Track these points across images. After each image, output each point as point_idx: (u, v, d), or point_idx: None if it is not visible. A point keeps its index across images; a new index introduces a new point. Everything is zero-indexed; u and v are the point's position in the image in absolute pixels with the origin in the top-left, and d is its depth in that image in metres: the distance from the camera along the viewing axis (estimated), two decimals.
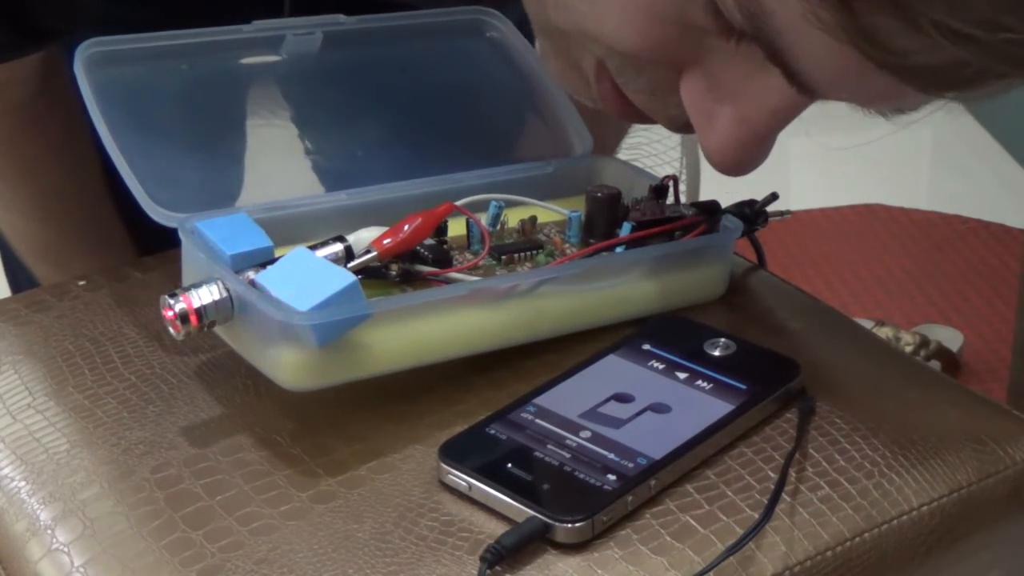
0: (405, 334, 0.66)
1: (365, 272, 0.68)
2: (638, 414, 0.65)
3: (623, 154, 2.07)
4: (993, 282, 2.28)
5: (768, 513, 0.60)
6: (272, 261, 0.67)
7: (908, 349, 1.96)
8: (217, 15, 0.79)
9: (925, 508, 0.63)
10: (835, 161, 2.76)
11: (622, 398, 0.66)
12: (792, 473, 0.62)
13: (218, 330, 0.67)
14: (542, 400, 0.65)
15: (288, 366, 0.64)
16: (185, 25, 0.78)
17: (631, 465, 0.61)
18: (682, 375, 0.67)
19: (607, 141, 0.98)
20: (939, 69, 0.51)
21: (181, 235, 0.70)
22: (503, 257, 0.73)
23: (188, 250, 0.69)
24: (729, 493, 0.62)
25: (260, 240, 0.69)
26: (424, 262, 0.70)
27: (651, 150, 2.06)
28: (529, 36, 0.83)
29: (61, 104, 0.89)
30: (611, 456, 0.62)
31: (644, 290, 0.73)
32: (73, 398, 0.69)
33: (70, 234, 0.91)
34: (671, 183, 0.76)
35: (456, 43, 0.87)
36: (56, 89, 0.88)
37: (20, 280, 1.00)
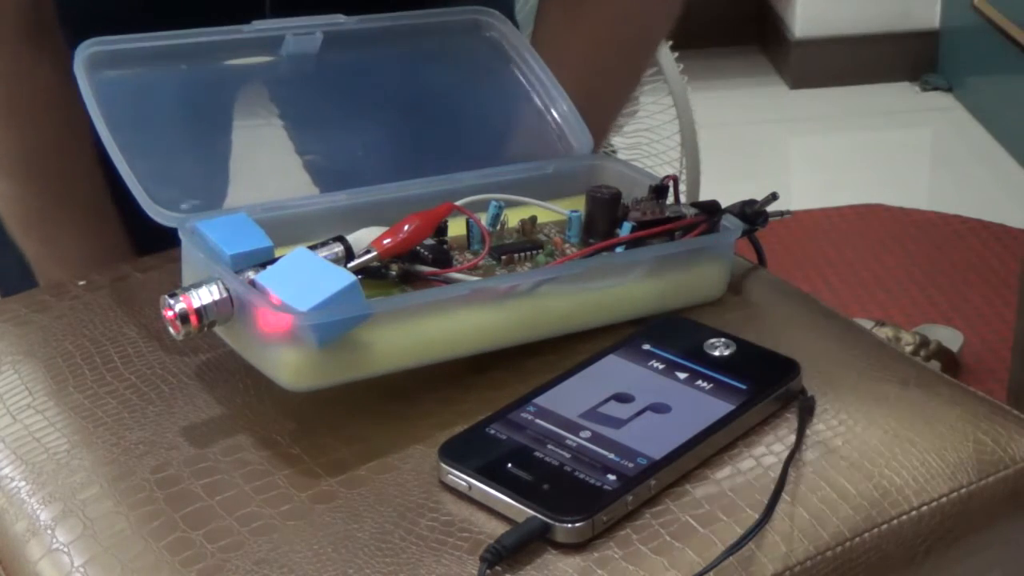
0: (405, 334, 0.66)
1: (365, 272, 0.68)
2: (638, 414, 0.65)
3: (623, 154, 2.07)
4: (993, 282, 2.28)
5: (768, 513, 0.60)
6: (272, 261, 0.67)
7: (908, 349, 1.96)
8: (199, 12, 0.79)
9: (925, 508, 0.63)
10: (835, 161, 2.76)
11: (622, 398, 0.66)
12: (792, 473, 0.62)
13: (218, 330, 0.67)
14: (542, 400, 0.65)
15: (288, 366, 0.64)
16: (165, 20, 0.78)
17: (631, 465, 0.61)
18: (682, 375, 0.67)
19: (612, 97, 0.96)
20: None
21: (181, 235, 0.70)
22: (503, 257, 0.73)
23: (188, 250, 0.69)
24: (729, 493, 0.62)
25: (260, 240, 0.69)
26: (424, 262, 0.70)
27: (651, 150, 2.06)
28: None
29: (52, 59, 0.87)
30: (611, 456, 0.62)
31: (644, 290, 0.73)
32: (73, 398, 0.69)
33: (57, 199, 0.90)
34: (671, 183, 0.76)
35: (456, 43, 0.87)
36: (48, 42, 0.87)
37: (3, 270, 0.98)
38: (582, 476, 0.61)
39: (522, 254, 0.73)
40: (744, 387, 0.66)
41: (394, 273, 0.69)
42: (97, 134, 0.73)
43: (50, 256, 0.91)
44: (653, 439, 0.63)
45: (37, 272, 0.91)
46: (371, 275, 0.69)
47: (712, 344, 0.69)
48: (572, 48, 0.88)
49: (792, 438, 0.64)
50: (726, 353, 0.69)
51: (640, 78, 1.04)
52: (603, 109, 0.85)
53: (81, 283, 0.78)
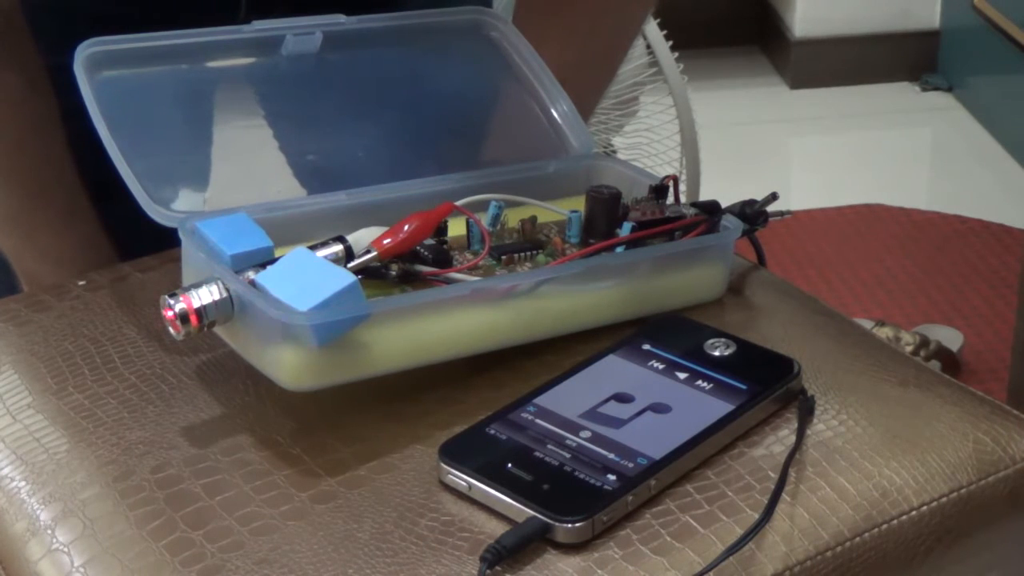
0: (405, 334, 0.66)
1: (365, 272, 0.68)
2: (638, 414, 0.65)
3: (623, 154, 2.07)
4: (993, 282, 2.28)
5: (768, 513, 0.60)
6: (272, 261, 0.67)
7: (908, 349, 1.96)
8: (179, 13, 0.79)
9: (925, 508, 0.63)
10: (835, 161, 2.76)
11: (622, 398, 0.66)
12: (792, 473, 0.62)
13: (218, 330, 0.67)
14: (542, 400, 0.65)
15: (288, 366, 0.64)
16: (145, 20, 0.78)
17: (631, 465, 0.61)
18: (682, 375, 0.67)
19: (584, 96, 0.97)
20: None
21: (181, 235, 0.70)
22: (503, 257, 0.73)
23: (188, 250, 0.69)
24: (729, 493, 0.62)
25: (260, 240, 0.69)
26: (424, 262, 0.70)
27: (651, 150, 2.06)
28: None
29: (18, 65, 0.88)
30: (611, 456, 0.62)
31: (644, 290, 0.73)
32: (73, 398, 0.69)
33: (31, 198, 0.91)
34: (671, 183, 0.76)
35: (456, 43, 0.87)
36: (15, 46, 0.87)
37: None
38: (582, 476, 0.61)
39: (522, 254, 0.73)
40: (744, 387, 0.66)
41: (394, 273, 0.69)
42: (94, 134, 0.73)
43: (30, 252, 0.91)
44: (653, 439, 0.63)
45: (16, 266, 0.92)
46: (371, 275, 0.69)
47: (712, 344, 0.69)
48: (549, 40, 0.88)
49: (792, 438, 0.64)
50: (726, 353, 0.69)
51: (616, 71, 1.05)
52: (580, 102, 0.85)
53: (81, 283, 0.78)
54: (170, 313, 0.65)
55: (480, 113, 0.87)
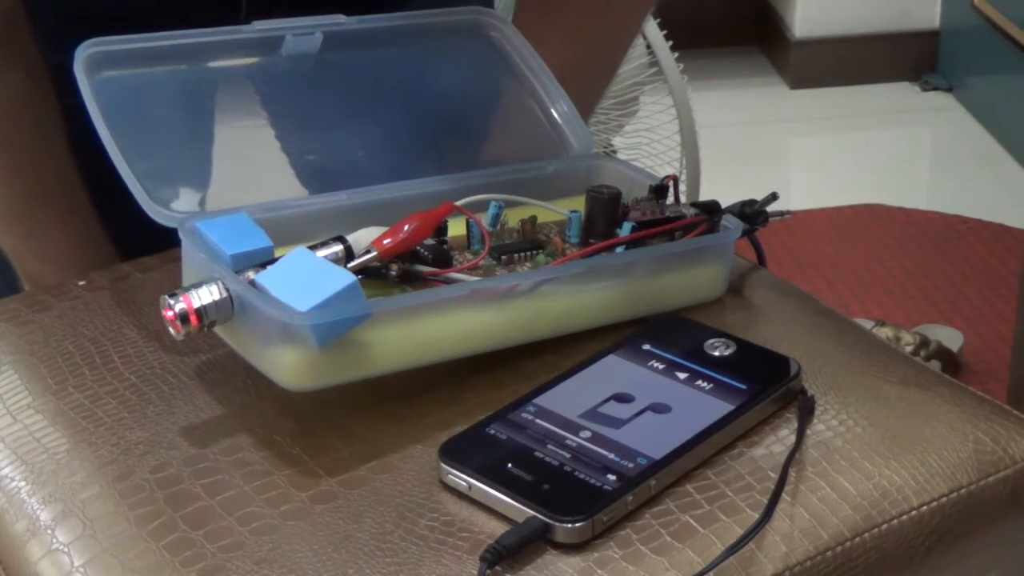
0: (405, 334, 0.66)
1: (365, 272, 0.68)
2: (638, 414, 0.65)
3: (623, 154, 2.07)
4: (993, 282, 2.28)
5: (768, 513, 0.60)
6: (272, 261, 0.67)
7: (908, 349, 1.96)
8: (176, 13, 0.79)
9: (925, 508, 0.63)
10: (835, 161, 2.76)
11: (622, 398, 0.66)
12: (792, 473, 0.63)
13: (218, 330, 0.67)
14: (542, 400, 0.65)
15: (288, 366, 0.64)
16: (144, 21, 0.78)
17: (631, 465, 0.61)
18: (682, 375, 0.67)
19: (586, 90, 0.97)
20: None
21: (181, 235, 0.70)
22: (503, 257, 0.73)
23: (188, 250, 0.69)
24: (729, 493, 0.62)
25: (260, 240, 0.69)
26: (424, 262, 0.70)
27: (651, 150, 2.06)
28: None
29: (22, 62, 0.88)
30: (611, 456, 0.62)
31: (644, 290, 0.73)
32: (73, 398, 0.69)
33: (39, 197, 0.91)
34: (671, 183, 0.76)
35: (456, 43, 0.87)
36: (17, 44, 0.87)
37: None
38: (582, 476, 0.61)
39: (522, 254, 0.73)
40: (744, 387, 0.66)
41: (394, 273, 0.69)
42: (95, 133, 0.73)
43: (30, 251, 0.91)
44: (653, 439, 0.63)
45: (17, 266, 0.92)
46: (371, 275, 0.69)
47: (712, 344, 0.69)
48: (550, 40, 0.88)
49: (792, 438, 0.64)
50: (726, 353, 0.69)
51: (616, 70, 1.05)
52: (580, 101, 0.85)
53: (81, 283, 0.78)
54: (170, 313, 0.65)
55: (480, 113, 0.87)
